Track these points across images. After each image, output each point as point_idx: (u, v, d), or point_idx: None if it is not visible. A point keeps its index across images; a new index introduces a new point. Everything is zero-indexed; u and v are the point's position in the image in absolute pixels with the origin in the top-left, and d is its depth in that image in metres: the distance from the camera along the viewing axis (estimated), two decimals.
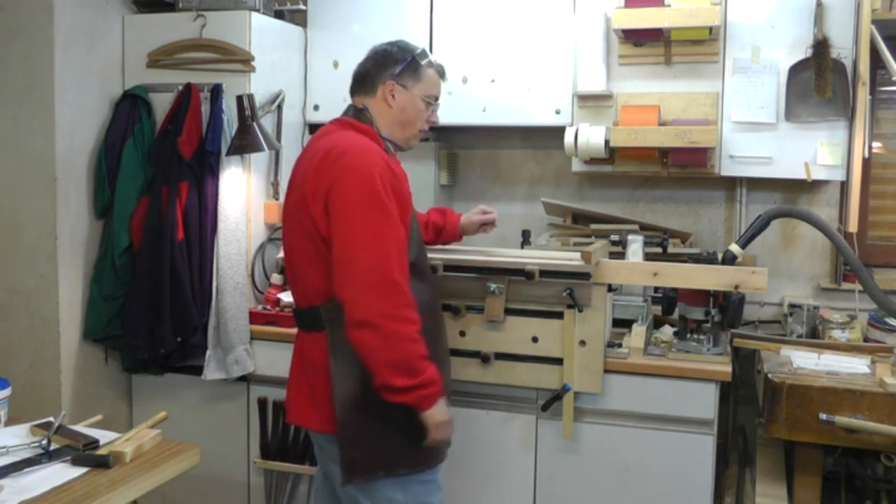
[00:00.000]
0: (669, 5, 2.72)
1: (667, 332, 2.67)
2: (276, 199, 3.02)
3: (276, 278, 2.96)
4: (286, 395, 2.14)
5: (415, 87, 2.08)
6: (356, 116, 2.08)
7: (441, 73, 2.17)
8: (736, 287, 2.38)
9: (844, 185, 2.84)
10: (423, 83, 2.10)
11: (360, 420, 1.92)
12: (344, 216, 1.85)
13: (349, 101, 3.11)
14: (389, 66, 2.08)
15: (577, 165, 2.99)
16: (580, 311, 2.38)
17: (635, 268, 2.50)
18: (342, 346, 1.91)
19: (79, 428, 1.97)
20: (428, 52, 2.15)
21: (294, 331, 2.78)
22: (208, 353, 2.80)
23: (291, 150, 3.13)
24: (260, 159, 2.94)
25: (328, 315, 1.94)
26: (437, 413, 1.90)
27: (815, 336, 2.76)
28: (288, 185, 2.09)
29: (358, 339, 1.83)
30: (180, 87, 2.84)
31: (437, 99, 2.17)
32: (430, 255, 2.48)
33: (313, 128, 3.27)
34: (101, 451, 1.80)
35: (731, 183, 3.05)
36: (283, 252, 2.12)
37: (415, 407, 1.88)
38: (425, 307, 1.98)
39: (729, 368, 2.42)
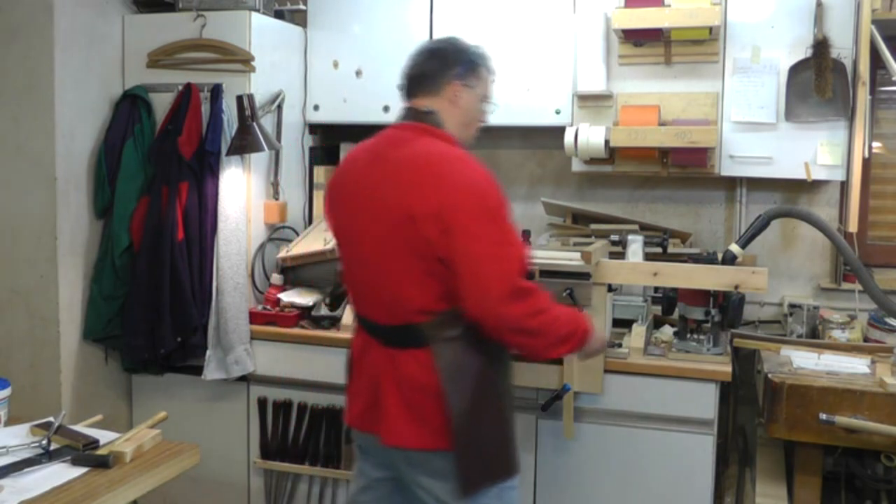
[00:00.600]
0: (669, 5, 2.72)
1: (667, 332, 2.67)
2: (276, 199, 3.02)
3: (275, 278, 2.96)
4: (362, 414, 1.99)
5: (477, 87, 2.04)
6: (428, 121, 1.98)
7: (491, 70, 2.13)
8: (736, 287, 2.38)
9: (844, 185, 2.84)
10: (483, 81, 2.07)
11: (474, 432, 1.89)
12: (469, 235, 1.80)
13: (349, 101, 3.17)
14: (452, 65, 2.02)
15: (577, 165, 2.99)
16: (580, 310, 2.38)
17: (635, 268, 2.50)
18: (452, 361, 1.87)
19: (79, 428, 1.97)
20: (484, 51, 2.10)
21: (294, 331, 2.83)
22: (208, 353, 2.80)
23: (291, 150, 3.14)
24: (260, 159, 2.94)
25: (434, 332, 1.87)
26: (595, 340, 2.03)
27: (815, 336, 2.76)
28: (348, 194, 1.98)
29: (517, 345, 1.92)
30: (180, 87, 2.84)
31: (490, 96, 2.13)
32: None
33: (313, 128, 3.27)
34: (101, 451, 1.81)
35: (731, 183, 3.05)
36: (354, 267, 2.01)
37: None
38: None
39: (729, 368, 2.42)
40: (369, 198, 1.92)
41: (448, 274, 1.82)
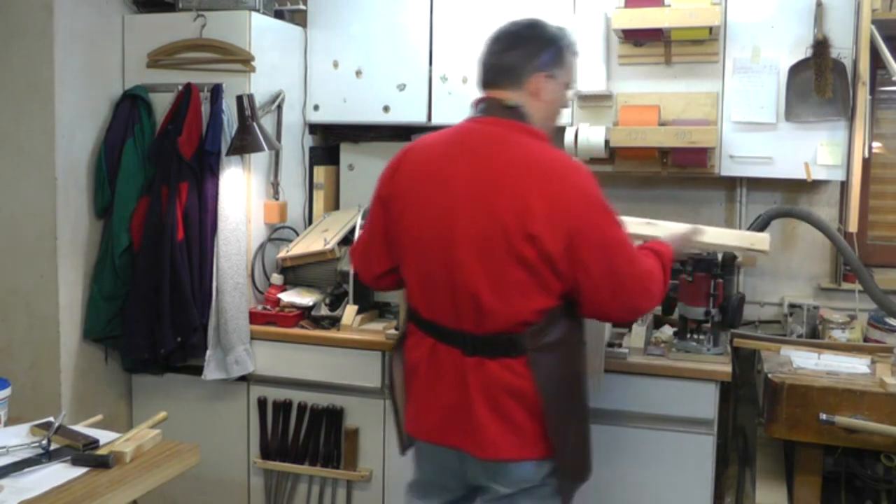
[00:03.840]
0: (669, 5, 2.72)
1: (667, 332, 2.67)
2: (277, 199, 3.02)
3: (276, 278, 2.96)
4: (442, 427, 1.90)
5: (561, 76, 1.93)
6: (517, 117, 1.87)
7: (577, 54, 2.02)
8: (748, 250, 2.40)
9: (844, 185, 2.84)
10: (567, 69, 1.96)
11: (570, 438, 1.89)
12: (603, 248, 1.80)
13: (349, 101, 3.16)
14: (535, 55, 1.89)
15: None
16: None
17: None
18: (549, 369, 1.83)
19: (79, 428, 1.96)
20: (565, 29, 1.99)
21: (294, 331, 2.83)
22: (208, 353, 2.80)
23: (291, 150, 3.14)
24: (260, 159, 2.94)
25: (531, 341, 1.81)
26: (683, 244, 2.18)
27: (815, 336, 2.76)
28: (432, 189, 1.86)
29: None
30: (180, 87, 2.84)
31: (575, 82, 2.09)
32: None
33: (313, 128, 3.27)
34: (101, 451, 1.80)
35: (731, 183, 3.05)
36: (433, 270, 1.86)
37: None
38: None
39: (729, 368, 2.42)
40: (467, 198, 1.80)
41: (557, 286, 1.80)
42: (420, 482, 2.08)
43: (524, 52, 1.89)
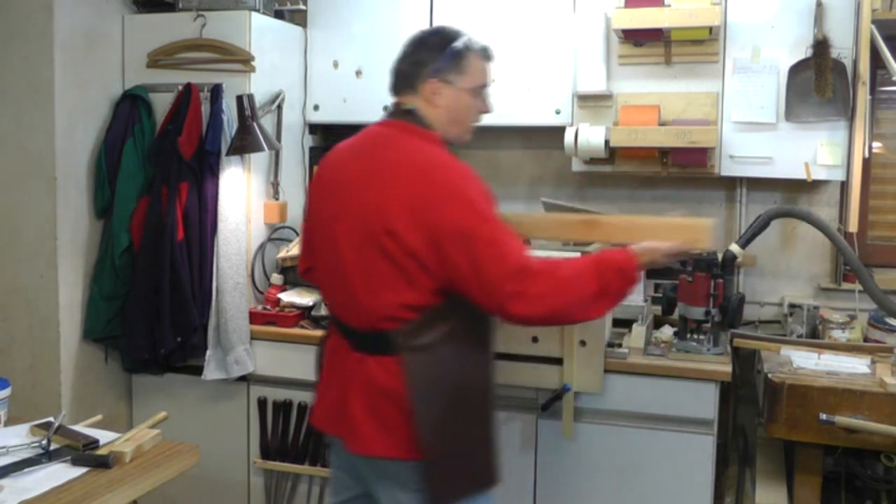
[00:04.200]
0: (669, 5, 2.72)
1: (667, 332, 2.67)
2: (277, 199, 3.02)
3: (276, 278, 2.96)
4: (327, 417, 1.95)
5: (460, 81, 1.90)
6: (410, 120, 1.90)
7: (487, 56, 1.96)
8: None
9: (844, 185, 2.84)
10: (469, 74, 1.90)
11: (445, 445, 1.82)
12: (463, 242, 1.73)
13: (349, 101, 3.16)
14: (429, 60, 1.89)
15: (577, 165, 2.99)
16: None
17: (561, 221, 2.38)
18: (422, 371, 1.80)
19: (79, 428, 1.96)
20: (469, 35, 1.94)
21: (294, 331, 2.83)
22: (208, 353, 2.80)
23: (291, 150, 3.14)
24: (260, 159, 2.94)
25: (404, 340, 1.80)
26: (651, 256, 1.87)
27: (815, 336, 2.76)
28: (330, 190, 1.92)
29: (556, 324, 1.95)
30: (180, 87, 2.84)
31: (486, 86, 1.96)
32: None
33: (313, 128, 3.27)
34: (101, 451, 1.80)
35: (731, 183, 3.05)
36: (329, 268, 1.93)
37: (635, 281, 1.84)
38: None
39: (729, 368, 2.42)
40: (351, 198, 1.86)
41: (427, 282, 1.78)
42: (331, 477, 2.12)
43: (418, 59, 1.90)
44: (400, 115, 1.93)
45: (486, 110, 1.99)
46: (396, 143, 1.87)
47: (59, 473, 1.72)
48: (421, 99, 1.90)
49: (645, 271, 2.03)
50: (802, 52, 2.70)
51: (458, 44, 1.89)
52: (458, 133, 1.96)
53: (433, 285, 1.79)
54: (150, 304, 2.79)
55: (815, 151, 2.70)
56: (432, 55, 1.89)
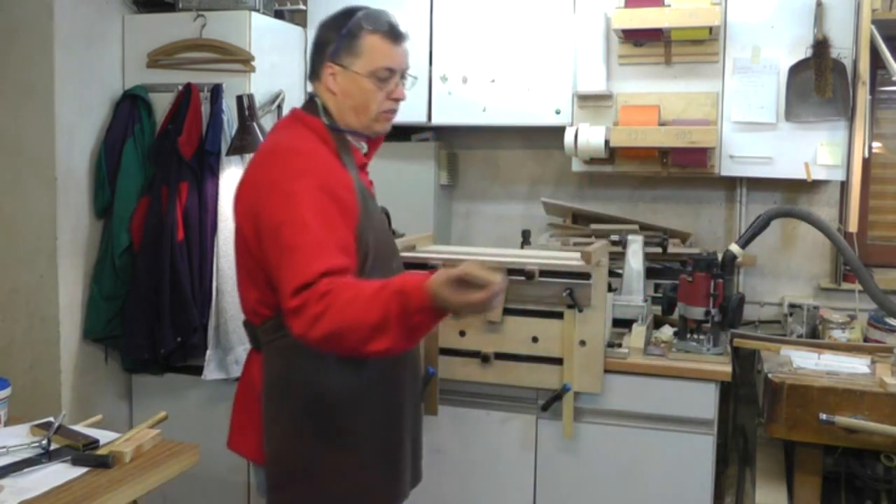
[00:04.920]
0: (669, 5, 2.72)
1: (667, 332, 2.67)
2: None
3: None
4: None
5: (355, 64, 1.71)
6: (306, 107, 1.79)
7: (393, 35, 1.74)
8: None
9: (844, 185, 2.84)
10: (365, 56, 1.71)
11: (290, 456, 1.71)
12: (271, 237, 1.60)
13: None
14: (327, 42, 1.73)
15: (577, 165, 2.99)
16: (580, 311, 2.38)
17: None
18: (278, 372, 1.73)
19: (79, 428, 1.96)
20: (377, 13, 1.74)
21: None
22: (208, 353, 2.80)
23: None
24: None
25: (266, 336, 1.75)
26: (449, 299, 1.43)
27: (815, 336, 2.76)
28: None
29: (332, 352, 1.59)
30: (180, 87, 2.84)
31: (392, 70, 1.74)
32: (429, 254, 2.49)
33: None
34: (101, 451, 1.80)
35: (731, 183, 3.05)
36: None
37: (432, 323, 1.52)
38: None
39: (729, 368, 2.42)
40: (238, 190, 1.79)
41: (265, 278, 1.67)
42: None
43: (319, 40, 1.76)
44: (305, 102, 1.82)
45: (397, 97, 1.78)
46: (272, 132, 1.81)
47: (59, 473, 1.72)
48: (322, 86, 1.76)
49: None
50: (802, 52, 2.70)
51: (351, 23, 1.71)
52: (364, 123, 1.77)
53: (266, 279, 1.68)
54: (150, 304, 2.79)
55: (815, 151, 2.71)
56: (329, 36, 1.74)
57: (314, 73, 1.78)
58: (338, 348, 1.54)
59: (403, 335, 1.48)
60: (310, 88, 1.82)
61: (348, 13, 1.74)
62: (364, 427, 1.76)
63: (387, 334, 1.47)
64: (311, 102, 1.79)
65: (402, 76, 1.79)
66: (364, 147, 1.86)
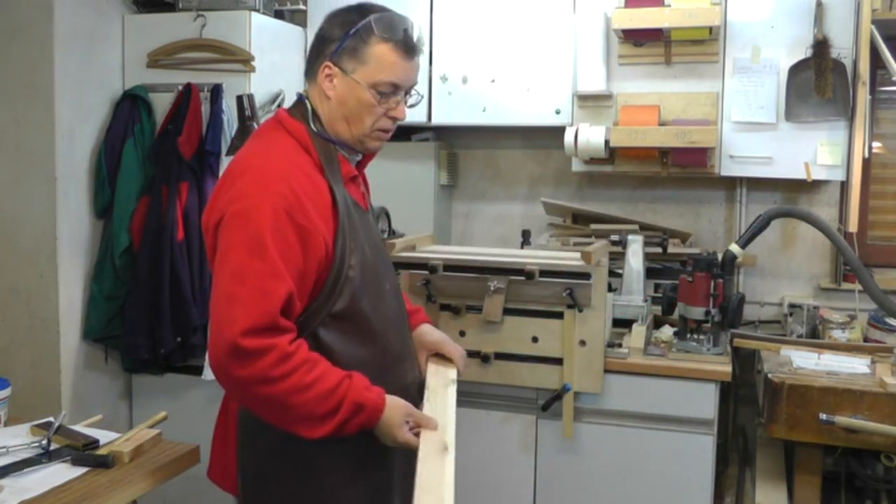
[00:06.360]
0: (669, 5, 2.72)
1: (667, 332, 2.67)
2: None
3: None
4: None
5: (357, 72, 1.53)
6: (291, 111, 1.61)
7: (406, 48, 1.54)
8: None
9: (844, 185, 2.84)
10: (370, 65, 1.52)
11: (260, 493, 1.60)
12: (220, 261, 1.48)
13: None
14: (332, 39, 1.54)
15: (577, 165, 2.99)
16: (580, 311, 2.38)
17: None
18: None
19: (79, 428, 1.96)
20: (393, 18, 1.55)
21: None
22: (208, 353, 2.80)
23: None
24: None
25: None
26: (389, 428, 1.45)
27: (815, 336, 2.76)
28: None
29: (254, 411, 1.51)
30: (180, 87, 2.84)
31: (396, 86, 1.56)
32: (430, 254, 2.48)
33: None
34: (101, 451, 1.80)
35: (731, 183, 3.05)
36: None
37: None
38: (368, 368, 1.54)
39: (729, 368, 2.42)
40: None
41: None
42: None
43: (323, 35, 1.57)
44: (294, 103, 1.63)
45: (395, 116, 1.59)
46: (251, 139, 1.64)
47: (59, 473, 1.72)
48: (316, 85, 1.58)
49: None
50: (802, 52, 2.70)
51: (362, 24, 1.52)
52: (356, 136, 1.58)
53: None
54: (150, 304, 2.79)
55: (815, 151, 2.71)
56: (335, 32, 1.55)
57: (310, 70, 1.61)
58: (265, 414, 1.45)
59: (331, 433, 1.44)
60: (305, 87, 1.67)
61: (362, 10, 1.56)
62: (343, 466, 1.57)
63: (320, 429, 1.43)
64: (299, 104, 1.61)
65: (407, 92, 1.61)
66: (355, 159, 1.68)
